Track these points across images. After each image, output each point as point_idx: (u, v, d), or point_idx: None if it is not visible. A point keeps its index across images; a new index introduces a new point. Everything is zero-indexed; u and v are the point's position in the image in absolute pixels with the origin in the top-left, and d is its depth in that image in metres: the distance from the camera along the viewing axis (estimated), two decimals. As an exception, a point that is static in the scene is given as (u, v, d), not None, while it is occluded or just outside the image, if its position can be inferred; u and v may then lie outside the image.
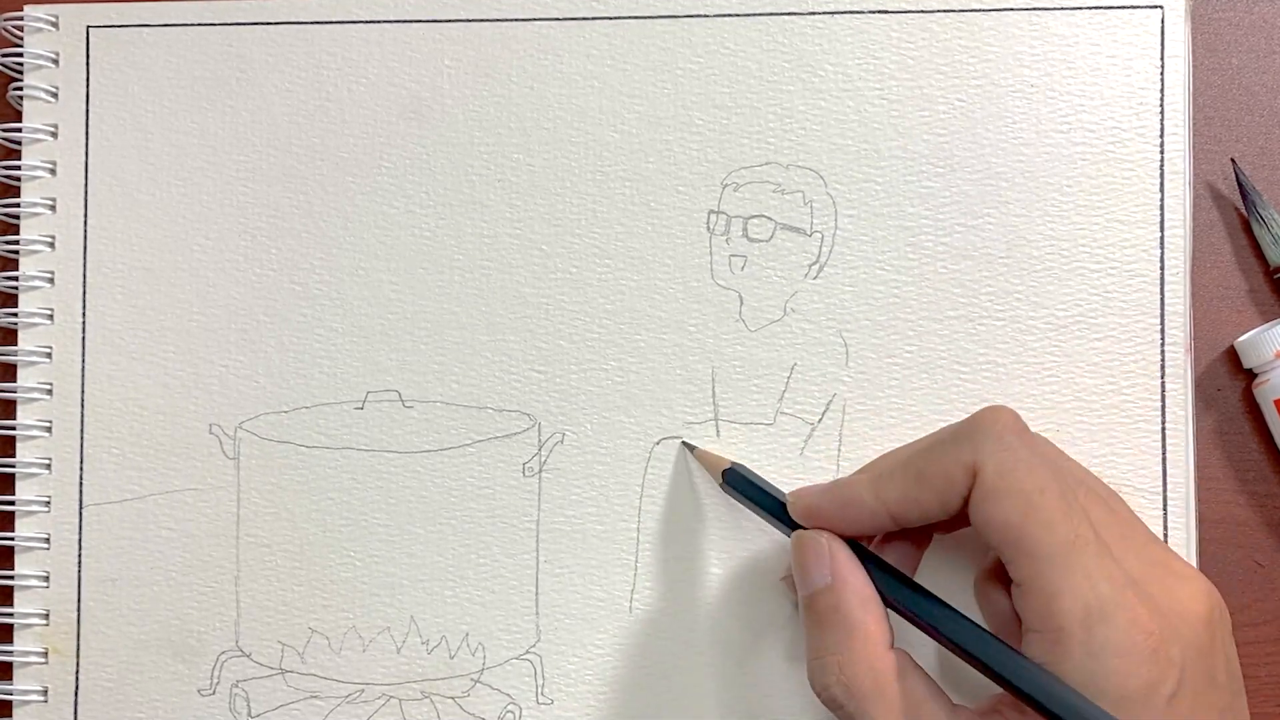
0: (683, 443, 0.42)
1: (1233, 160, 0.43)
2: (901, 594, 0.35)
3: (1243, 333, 0.42)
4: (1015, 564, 0.33)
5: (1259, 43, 0.43)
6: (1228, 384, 0.43)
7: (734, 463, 0.40)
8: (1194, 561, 0.41)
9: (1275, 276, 0.43)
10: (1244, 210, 0.43)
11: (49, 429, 0.43)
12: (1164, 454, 0.41)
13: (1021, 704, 0.33)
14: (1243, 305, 0.43)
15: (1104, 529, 0.33)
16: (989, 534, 0.34)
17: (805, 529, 0.37)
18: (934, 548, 0.39)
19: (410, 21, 0.43)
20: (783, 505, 0.38)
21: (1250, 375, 0.42)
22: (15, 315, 0.44)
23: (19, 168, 0.44)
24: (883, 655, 0.34)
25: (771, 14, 0.42)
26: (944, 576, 0.40)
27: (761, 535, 0.42)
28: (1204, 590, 0.34)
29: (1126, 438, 0.41)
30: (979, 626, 0.34)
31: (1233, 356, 0.42)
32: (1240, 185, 0.42)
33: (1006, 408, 0.35)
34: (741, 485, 0.39)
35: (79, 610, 0.43)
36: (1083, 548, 0.32)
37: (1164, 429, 0.41)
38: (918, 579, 0.37)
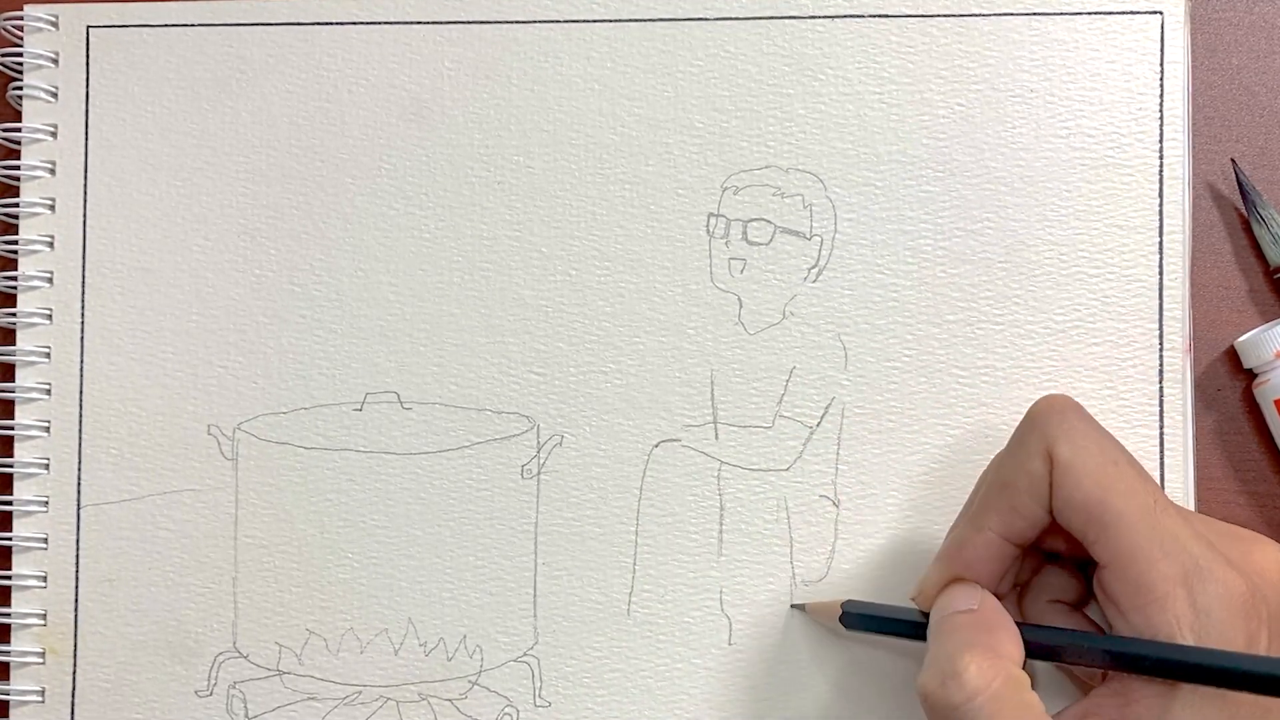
0: (792, 605, 0.41)
1: (1233, 160, 0.43)
2: (1045, 635, 0.35)
3: (1243, 333, 0.42)
4: (1102, 540, 0.33)
5: (1259, 43, 0.43)
6: (1228, 384, 0.43)
7: (845, 601, 0.39)
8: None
9: (1275, 276, 0.43)
10: (1244, 210, 0.43)
11: (47, 429, 0.43)
12: (1162, 459, 0.41)
13: (1117, 688, 0.33)
14: (1243, 305, 0.43)
15: (1171, 499, 0.34)
16: (1072, 515, 0.34)
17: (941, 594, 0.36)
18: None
19: (411, 23, 0.43)
20: (911, 614, 0.37)
21: (1250, 375, 0.42)
22: (14, 315, 0.44)
23: (18, 168, 0.44)
24: (1017, 670, 0.34)
25: (772, 17, 0.42)
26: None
27: (761, 535, 0.42)
28: (1274, 550, 0.35)
29: (1124, 442, 0.41)
30: (1113, 636, 0.34)
31: (1233, 356, 0.42)
32: (1240, 185, 0.42)
33: (1059, 394, 0.36)
34: (862, 620, 0.38)
35: (76, 611, 0.43)
36: (1164, 511, 0.33)
37: (1162, 434, 0.41)
38: None
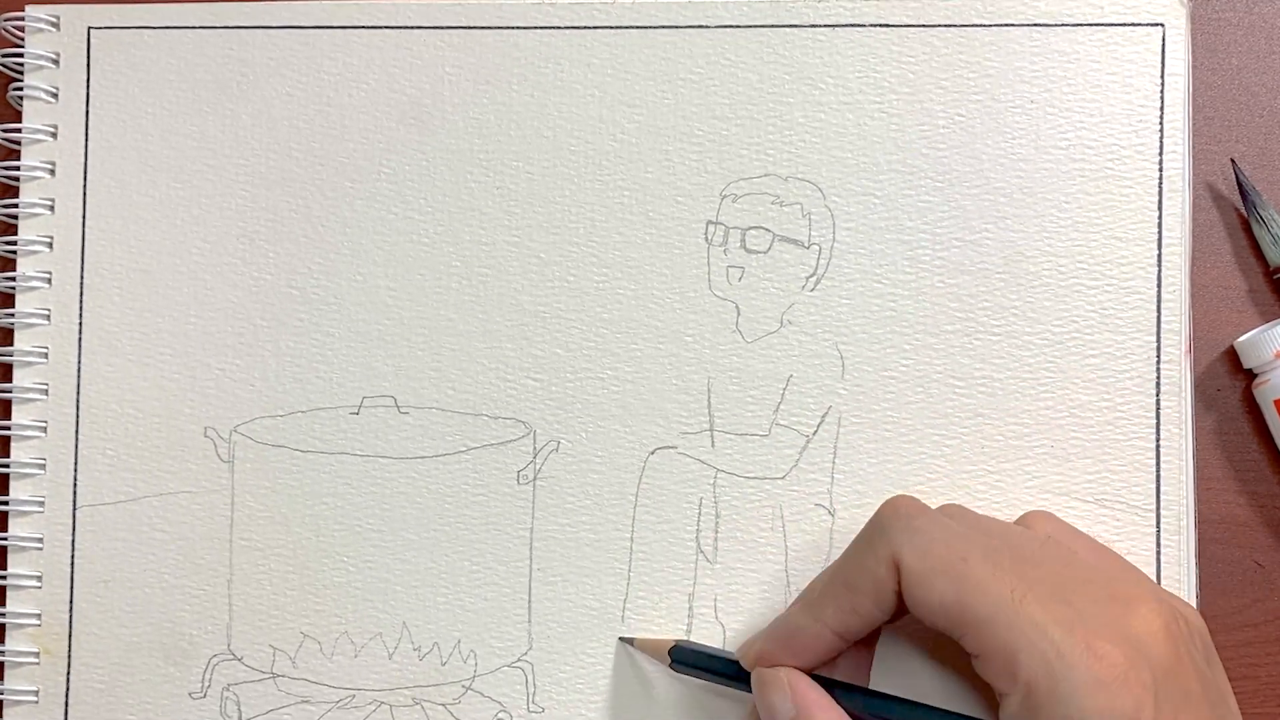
0: (620, 639, 0.42)
1: (1233, 160, 0.43)
2: (867, 705, 0.36)
3: (1243, 333, 0.42)
4: (966, 638, 0.34)
5: (1259, 43, 0.43)
6: (1228, 384, 0.43)
7: (677, 641, 0.41)
8: (1192, 566, 0.41)
9: (1275, 276, 0.43)
10: (1244, 210, 0.43)
11: (44, 429, 0.44)
12: (1158, 470, 0.41)
13: None
14: (1243, 305, 0.43)
15: (1037, 579, 0.33)
16: (932, 618, 0.34)
17: (762, 669, 0.37)
18: (882, 640, 0.40)
19: (411, 28, 0.43)
20: (735, 664, 0.38)
21: (1250, 375, 0.42)
22: (12, 315, 0.44)
23: (18, 168, 0.44)
24: None
25: (773, 26, 0.42)
26: (902, 662, 0.41)
27: (756, 544, 0.42)
28: (1156, 608, 0.34)
29: (1121, 454, 0.41)
30: (950, 713, 0.35)
31: (1233, 357, 0.42)
32: (1240, 185, 0.42)
33: (904, 495, 0.37)
34: (690, 659, 0.40)
35: (71, 611, 0.43)
36: (1020, 600, 0.33)
37: (1158, 446, 0.41)
38: (877, 674, 0.38)
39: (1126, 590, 0.35)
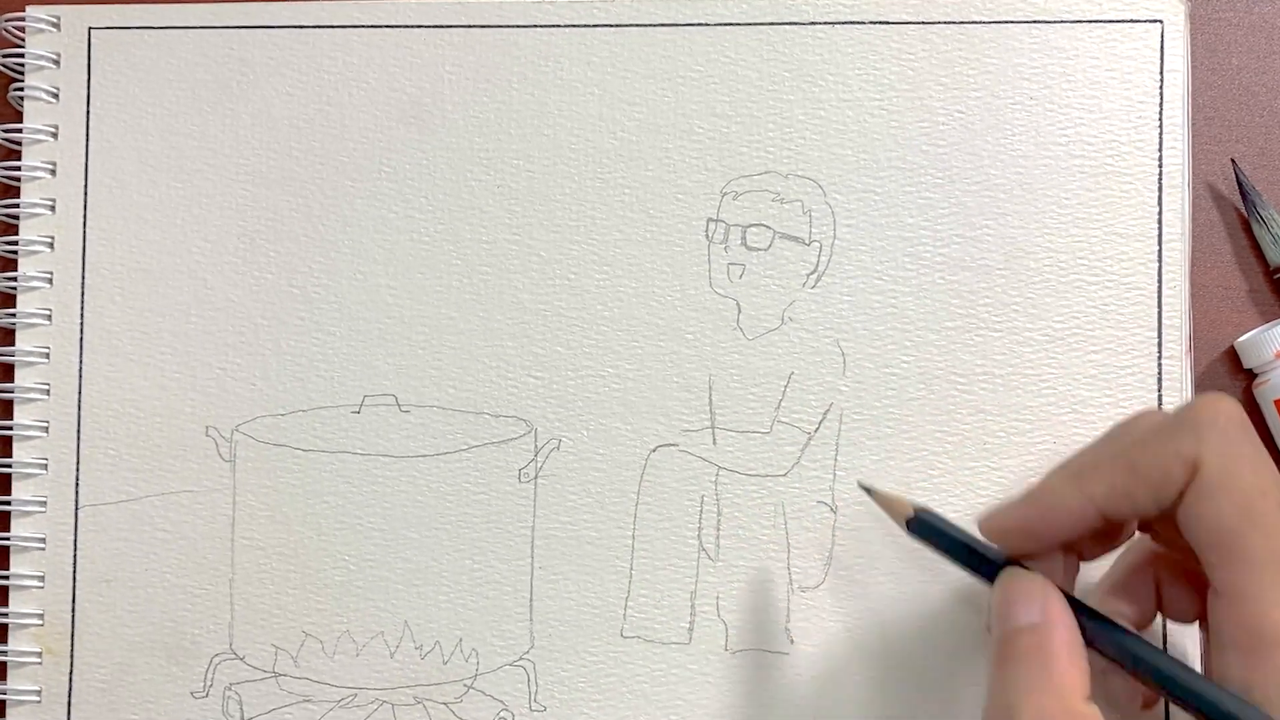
0: (859, 483, 0.40)
1: (1233, 160, 0.43)
2: (1110, 638, 0.33)
3: (1243, 333, 0.42)
4: (1223, 569, 0.31)
5: (1259, 43, 0.43)
6: (1228, 384, 0.43)
7: (919, 508, 0.37)
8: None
9: (1275, 276, 0.43)
10: (1244, 210, 0.43)
11: (46, 429, 0.44)
12: (1160, 467, 0.41)
13: None
14: (1243, 305, 0.43)
15: None
16: (1200, 534, 0.32)
17: (1018, 567, 0.34)
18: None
19: (411, 27, 0.43)
20: (980, 555, 0.35)
21: (1250, 375, 0.42)
22: (14, 315, 0.44)
23: (19, 168, 0.44)
24: (1081, 708, 0.31)
25: (772, 23, 0.42)
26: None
27: (758, 541, 0.42)
28: None
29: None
30: (1184, 665, 0.32)
31: (1233, 357, 0.42)
32: (1240, 185, 0.42)
33: (1230, 397, 0.33)
34: (930, 533, 0.36)
35: (74, 611, 0.43)
36: None
37: (1160, 442, 0.41)
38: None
39: None
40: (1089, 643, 0.33)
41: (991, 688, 0.33)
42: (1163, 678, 0.32)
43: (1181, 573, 0.36)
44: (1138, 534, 0.37)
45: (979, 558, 0.35)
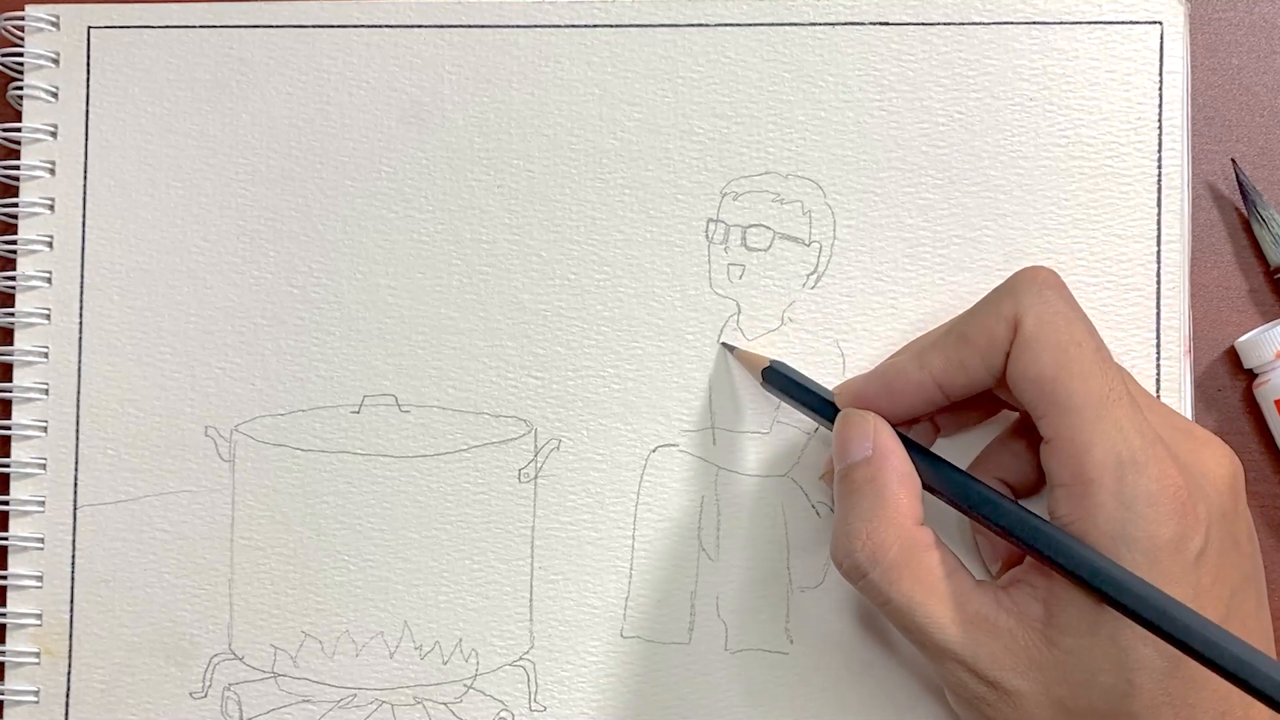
0: (722, 344, 0.42)
1: (1233, 160, 0.43)
2: (935, 471, 0.35)
3: (1243, 333, 0.42)
4: (1048, 417, 0.33)
5: (1259, 43, 0.44)
6: (1228, 384, 0.43)
7: (773, 360, 0.40)
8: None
9: (1275, 276, 0.43)
10: (1244, 210, 0.43)
11: (44, 429, 0.43)
12: (1159, 468, 0.41)
13: (1045, 572, 0.34)
14: (1243, 305, 0.43)
15: (1131, 390, 0.34)
16: (1024, 387, 0.34)
17: (852, 408, 0.37)
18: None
19: (411, 27, 0.43)
20: (823, 400, 0.38)
21: (1250, 375, 0.42)
22: (12, 315, 0.44)
23: (18, 168, 0.44)
24: (911, 528, 0.34)
25: (773, 24, 0.42)
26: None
27: (758, 541, 0.42)
28: (1226, 454, 0.35)
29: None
30: (1012, 501, 0.34)
31: (1233, 357, 0.43)
32: (1240, 185, 0.42)
33: (1046, 267, 0.36)
34: (782, 382, 0.39)
35: (72, 611, 0.43)
36: (1115, 401, 0.33)
37: (1159, 443, 0.41)
38: None
39: (1200, 432, 0.35)
40: (924, 483, 0.35)
41: (835, 521, 0.36)
42: (988, 511, 0.34)
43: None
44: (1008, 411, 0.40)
45: (828, 406, 0.38)
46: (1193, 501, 0.32)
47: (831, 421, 0.38)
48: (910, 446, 0.36)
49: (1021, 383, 0.34)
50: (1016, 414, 0.39)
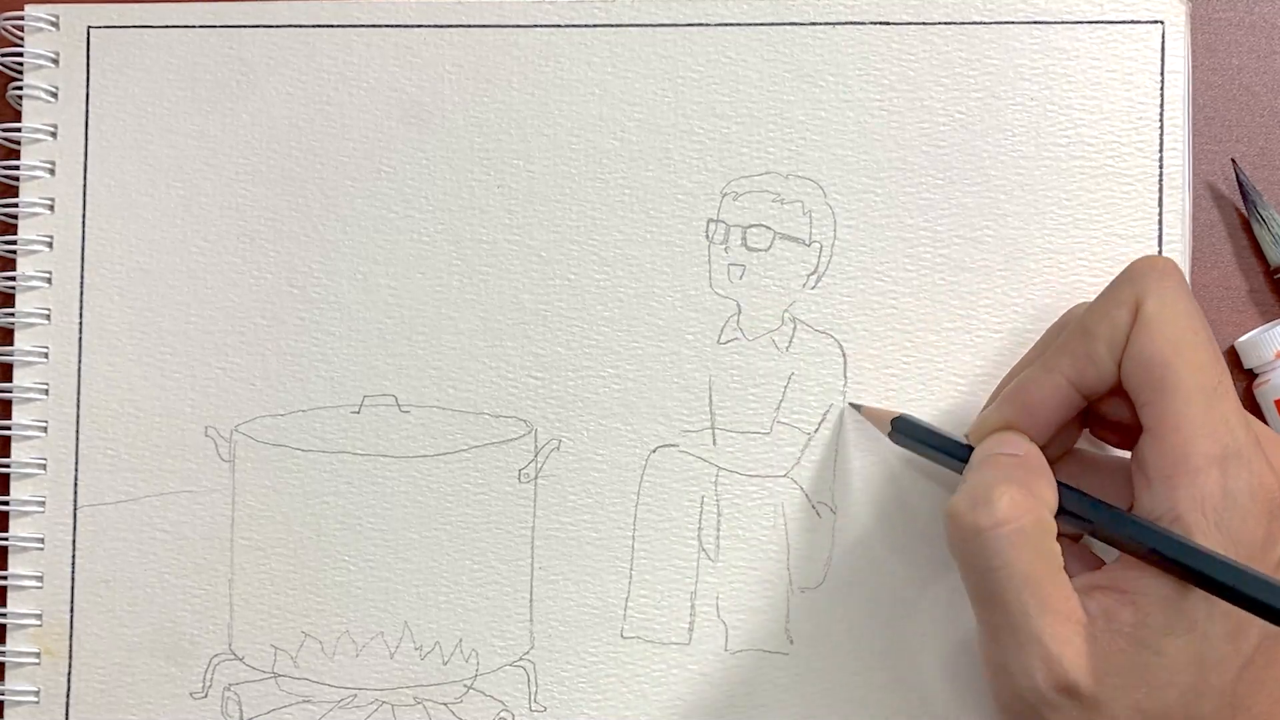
0: (849, 404, 0.41)
1: (1233, 160, 0.43)
2: (1070, 499, 0.35)
3: (1243, 333, 0.42)
4: (1155, 402, 0.33)
5: (1259, 43, 0.44)
6: (1228, 384, 0.43)
7: (901, 412, 0.40)
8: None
9: (1275, 276, 0.43)
10: (1244, 210, 0.43)
11: (44, 429, 0.43)
12: (1160, 468, 0.41)
13: (1131, 576, 0.33)
14: (1243, 305, 0.43)
15: (1234, 391, 0.34)
16: (1138, 371, 0.33)
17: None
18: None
19: (412, 26, 0.43)
20: (959, 445, 0.37)
21: (1251, 375, 0.42)
22: (12, 315, 0.44)
23: (18, 168, 0.44)
24: (1046, 515, 0.33)
25: (773, 24, 0.42)
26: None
27: (758, 541, 0.42)
28: None
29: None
30: (1155, 527, 0.33)
31: (1233, 357, 0.42)
32: (1240, 185, 0.42)
33: (1166, 257, 0.35)
34: (913, 432, 0.38)
35: (72, 611, 0.43)
36: (1225, 394, 0.33)
37: (1160, 443, 0.41)
38: None
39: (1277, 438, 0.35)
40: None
41: (964, 485, 0.34)
42: (1132, 536, 0.33)
43: (1108, 476, 0.38)
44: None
45: (963, 449, 0.37)
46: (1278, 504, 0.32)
47: (963, 462, 0.37)
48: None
49: (1136, 366, 0.34)
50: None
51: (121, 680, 0.43)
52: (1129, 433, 0.36)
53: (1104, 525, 0.34)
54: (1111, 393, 0.35)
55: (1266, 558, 0.32)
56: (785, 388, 0.42)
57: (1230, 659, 0.32)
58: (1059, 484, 0.35)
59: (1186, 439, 0.32)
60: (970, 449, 0.36)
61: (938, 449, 0.38)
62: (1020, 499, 0.33)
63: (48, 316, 0.44)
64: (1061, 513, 0.34)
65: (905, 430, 0.39)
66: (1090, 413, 0.37)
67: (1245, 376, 0.42)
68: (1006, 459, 0.35)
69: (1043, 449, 0.36)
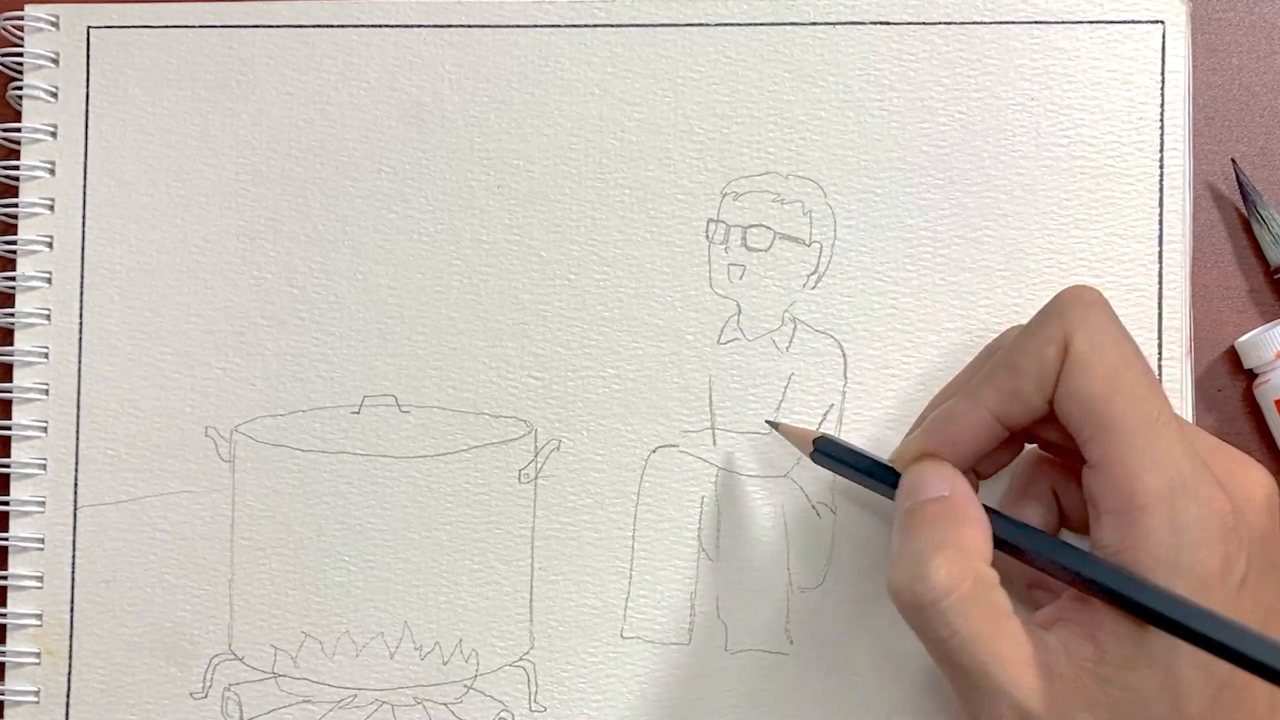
0: (766, 421, 0.41)
1: (1233, 160, 0.43)
2: (1000, 527, 0.35)
3: (1243, 333, 0.42)
4: (1096, 440, 0.33)
5: (1259, 43, 0.43)
6: (1228, 384, 0.43)
7: (823, 432, 0.40)
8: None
9: (1275, 276, 0.43)
10: (1244, 210, 0.43)
11: (45, 429, 0.43)
12: (1160, 468, 0.41)
13: (1088, 608, 0.33)
14: (1243, 305, 0.43)
15: (1174, 415, 0.33)
16: (1074, 409, 0.33)
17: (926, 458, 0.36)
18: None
19: (411, 26, 0.43)
20: (882, 466, 0.37)
21: (1251, 375, 0.42)
22: (12, 315, 0.44)
23: (18, 168, 0.44)
24: (983, 568, 0.33)
25: (773, 24, 0.42)
26: None
27: (758, 542, 0.42)
28: (1264, 475, 0.34)
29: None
30: (1086, 553, 0.34)
31: (1233, 357, 0.42)
32: (1240, 185, 0.42)
33: (1090, 286, 0.35)
34: (835, 452, 0.38)
35: (72, 612, 0.43)
36: (1166, 424, 0.32)
37: (1160, 443, 0.41)
38: None
39: (1236, 454, 0.35)
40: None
41: (897, 553, 0.34)
42: (1048, 552, 0.34)
43: (1073, 477, 0.37)
44: (1028, 446, 0.38)
45: (884, 469, 0.37)
46: (1236, 525, 0.32)
47: (891, 487, 0.37)
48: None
49: (1071, 405, 0.33)
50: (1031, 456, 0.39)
51: (121, 680, 0.43)
52: (1073, 455, 0.35)
53: (1045, 563, 0.34)
54: (1047, 419, 0.35)
55: (1226, 581, 0.32)
56: (785, 388, 0.42)
57: (1202, 686, 0.32)
58: (999, 517, 0.35)
59: (1131, 475, 0.32)
60: (894, 473, 0.37)
61: (862, 471, 0.38)
62: (954, 565, 0.33)
63: (48, 316, 0.44)
64: (1005, 545, 0.34)
65: (828, 451, 0.39)
66: (1031, 434, 0.37)
67: (1245, 376, 0.42)
68: (933, 508, 0.34)
69: (978, 467, 0.36)
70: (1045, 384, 0.34)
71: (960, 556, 0.33)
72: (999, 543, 0.34)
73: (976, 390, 0.35)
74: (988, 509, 0.35)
